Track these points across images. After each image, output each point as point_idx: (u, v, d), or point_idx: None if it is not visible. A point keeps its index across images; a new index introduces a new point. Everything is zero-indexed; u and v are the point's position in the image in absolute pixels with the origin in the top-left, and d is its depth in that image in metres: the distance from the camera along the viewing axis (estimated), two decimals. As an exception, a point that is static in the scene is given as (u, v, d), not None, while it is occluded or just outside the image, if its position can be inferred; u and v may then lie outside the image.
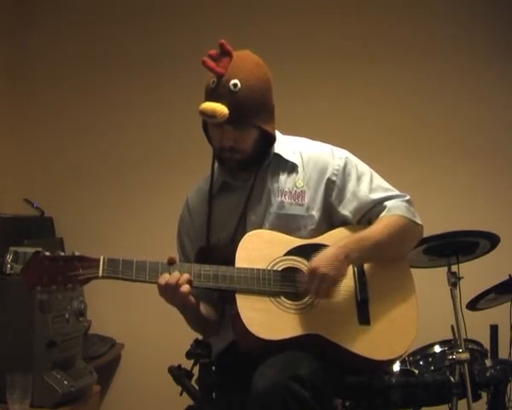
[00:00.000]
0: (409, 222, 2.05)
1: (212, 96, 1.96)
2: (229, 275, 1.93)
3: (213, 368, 2.38)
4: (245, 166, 2.07)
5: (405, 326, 1.98)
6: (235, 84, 1.94)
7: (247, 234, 2.00)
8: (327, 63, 3.73)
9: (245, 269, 1.95)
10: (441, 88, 3.71)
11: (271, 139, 2.08)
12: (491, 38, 3.69)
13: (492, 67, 3.68)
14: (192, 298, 1.92)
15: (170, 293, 1.89)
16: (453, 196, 3.61)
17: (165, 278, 1.88)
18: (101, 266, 1.88)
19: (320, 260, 1.91)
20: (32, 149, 3.93)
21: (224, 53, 1.99)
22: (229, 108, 1.93)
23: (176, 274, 1.89)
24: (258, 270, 1.95)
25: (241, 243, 1.98)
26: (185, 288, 1.88)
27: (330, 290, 1.93)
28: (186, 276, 1.89)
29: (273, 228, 2.05)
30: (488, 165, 3.65)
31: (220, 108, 1.92)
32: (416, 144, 3.68)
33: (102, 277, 1.88)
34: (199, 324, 2.14)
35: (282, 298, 1.94)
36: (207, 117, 1.95)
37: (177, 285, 1.87)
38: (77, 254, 1.90)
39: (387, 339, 1.95)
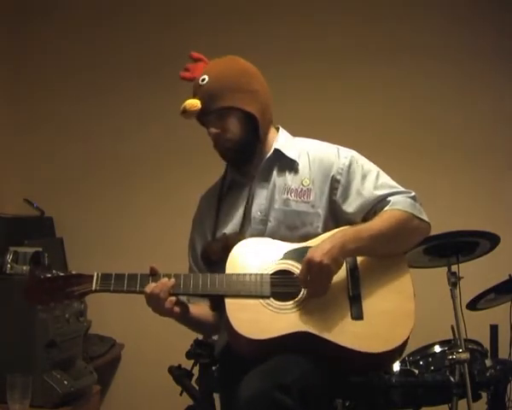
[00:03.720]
0: (411, 217, 2.04)
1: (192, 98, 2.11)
2: (219, 281, 1.96)
3: (213, 368, 2.39)
4: (242, 155, 2.12)
5: (401, 318, 1.95)
6: (203, 79, 2.10)
7: (238, 244, 2.02)
8: (327, 63, 3.73)
9: (234, 274, 1.97)
10: (440, 88, 3.71)
11: (255, 120, 2.10)
12: (492, 39, 3.69)
13: (494, 67, 3.68)
14: (177, 308, 1.98)
15: (154, 302, 1.96)
16: (453, 196, 3.61)
17: (149, 287, 1.96)
18: (94, 281, 1.99)
19: (316, 250, 1.92)
20: (32, 149, 3.92)
21: (197, 61, 2.16)
22: (201, 100, 2.07)
23: (159, 283, 1.95)
24: (249, 274, 1.96)
25: (232, 252, 2.01)
26: (166, 295, 1.94)
27: (325, 284, 1.93)
28: (170, 282, 1.95)
29: (276, 225, 2.07)
30: (488, 165, 3.66)
31: (189, 102, 2.08)
32: (416, 145, 3.69)
33: (95, 290, 1.99)
34: (193, 327, 2.20)
35: (272, 300, 1.94)
36: (182, 114, 2.09)
37: (160, 294, 1.94)
38: (74, 272, 2.02)
39: (382, 331, 1.93)
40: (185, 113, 2.07)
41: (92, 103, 3.89)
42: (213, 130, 2.10)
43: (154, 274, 1.98)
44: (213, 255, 2.07)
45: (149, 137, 3.84)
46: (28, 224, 3.61)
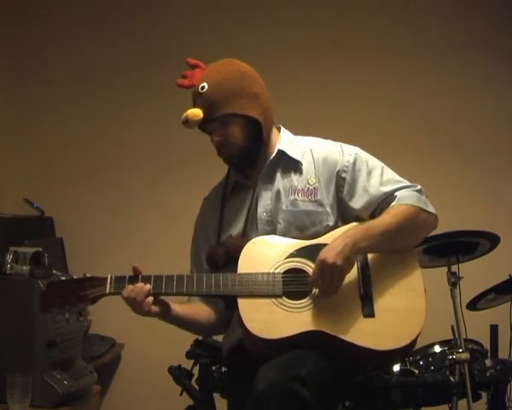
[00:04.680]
0: (419, 211, 2.05)
1: (192, 106, 2.10)
2: (232, 281, 1.97)
3: (213, 367, 2.39)
4: (247, 159, 2.13)
5: (411, 316, 1.96)
6: (202, 87, 2.08)
7: (248, 243, 2.03)
8: (329, 62, 3.73)
9: (246, 274, 1.97)
10: (441, 88, 3.71)
11: (258, 124, 2.10)
12: (494, 38, 3.70)
13: (496, 67, 3.68)
14: (155, 308, 1.98)
15: (132, 303, 1.97)
16: (453, 196, 3.61)
17: (127, 290, 1.96)
18: (108, 283, 1.99)
19: (328, 251, 1.92)
20: (32, 150, 3.92)
21: (194, 67, 2.14)
22: (202, 109, 2.06)
23: (138, 285, 1.97)
24: (261, 274, 1.97)
25: (242, 252, 2.01)
26: (142, 297, 1.95)
27: (337, 283, 1.93)
28: (146, 287, 1.96)
29: (286, 226, 2.07)
30: (488, 165, 3.66)
31: (192, 112, 2.06)
32: (416, 145, 3.69)
33: (110, 293, 1.99)
34: (181, 327, 2.19)
35: (285, 299, 1.95)
36: (184, 124, 2.07)
37: (138, 295, 1.95)
38: (88, 275, 2.01)
39: (392, 329, 1.93)
40: (187, 123, 2.06)
41: (92, 103, 3.88)
42: (217, 138, 2.09)
43: (169, 276, 1.99)
44: (219, 260, 2.06)
45: (150, 137, 3.84)
46: (28, 224, 3.61)
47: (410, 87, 3.72)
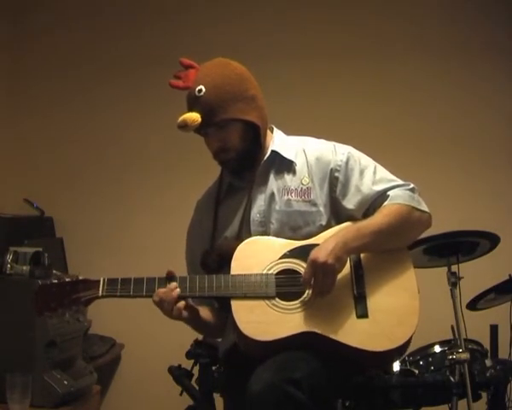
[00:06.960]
0: (411, 210, 2.04)
1: (187, 109, 2.06)
2: (224, 283, 1.96)
3: (213, 368, 2.39)
4: (245, 163, 2.11)
5: (405, 316, 1.95)
6: (199, 90, 2.04)
7: (241, 244, 2.02)
8: (329, 61, 3.74)
9: (240, 275, 1.97)
10: (442, 87, 3.71)
11: (257, 128, 2.09)
12: (494, 38, 3.70)
13: (497, 65, 3.68)
14: (185, 313, 1.98)
15: (162, 307, 1.97)
16: (453, 196, 3.61)
17: (157, 294, 1.96)
18: (100, 286, 1.98)
19: (319, 251, 1.92)
20: (32, 149, 3.93)
21: (188, 67, 2.10)
22: (200, 113, 2.01)
23: (167, 289, 1.96)
24: (254, 275, 1.97)
25: (235, 254, 2.00)
26: (172, 302, 1.95)
27: (330, 283, 1.92)
28: (176, 291, 1.96)
29: (280, 226, 2.06)
30: (489, 165, 3.66)
31: (190, 117, 2.01)
32: (417, 144, 3.69)
33: (102, 296, 1.99)
34: (200, 331, 2.22)
35: (278, 300, 1.95)
36: (181, 129, 2.03)
37: (166, 300, 1.95)
38: (80, 277, 2.01)
39: (386, 330, 1.93)
40: (186, 127, 2.01)
41: (92, 104, 3.89)
42: (216, 143, 2.07)
43: (161, 278, 1.98)
44: (212, 264, 2.05)
45: (149, 136, 3.84)
46: (28, 224, 3.61)
47: (411, 85, 3.72)
